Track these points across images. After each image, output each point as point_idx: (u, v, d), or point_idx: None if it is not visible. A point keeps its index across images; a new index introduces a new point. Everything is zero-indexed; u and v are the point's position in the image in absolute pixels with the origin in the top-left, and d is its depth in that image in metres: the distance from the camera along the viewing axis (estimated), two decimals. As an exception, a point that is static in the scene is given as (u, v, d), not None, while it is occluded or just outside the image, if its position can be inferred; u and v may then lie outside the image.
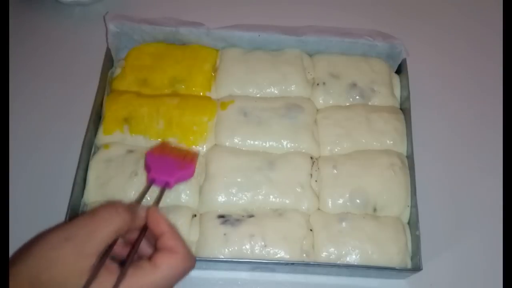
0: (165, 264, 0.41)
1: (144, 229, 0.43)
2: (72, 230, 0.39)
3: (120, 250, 0.43)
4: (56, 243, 0.39)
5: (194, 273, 0.59)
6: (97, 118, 0.65)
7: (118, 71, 0.69)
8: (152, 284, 0.40)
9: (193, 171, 0.59)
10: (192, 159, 0.59)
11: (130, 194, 0.59)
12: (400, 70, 0.71)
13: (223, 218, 0.58)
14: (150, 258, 0.41)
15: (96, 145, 0.64)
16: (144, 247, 0.44)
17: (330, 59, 0.70)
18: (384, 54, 0.72)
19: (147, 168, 0.56)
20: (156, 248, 0.42)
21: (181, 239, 0.43)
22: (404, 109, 0.67)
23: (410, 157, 0.63)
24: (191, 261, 0.43)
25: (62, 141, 0.68)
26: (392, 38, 0.70)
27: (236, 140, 0.63)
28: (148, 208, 0.44)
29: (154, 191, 0.55)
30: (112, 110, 0.65)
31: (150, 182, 0.53)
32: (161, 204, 0.59)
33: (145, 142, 0.63)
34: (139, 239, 0.43)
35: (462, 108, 0.74)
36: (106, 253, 0.40)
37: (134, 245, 0.42)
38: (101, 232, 0.40)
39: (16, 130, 0.68)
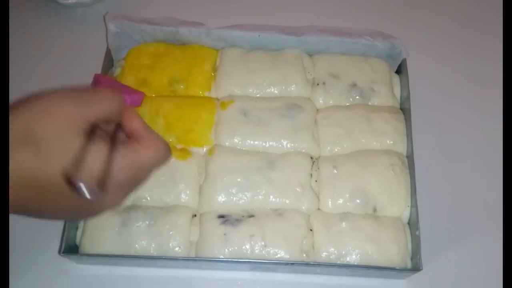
0: (151, 146, 0.42)
1: (119, 124, 0.44)
2: (76, 93, 0.39)
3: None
4: (58, 98, 0.38)
5: (194, 273, 0.60)
6: (97, 118, 0.65)
7: (118, 71, 0.69)
8: (141, 161, 0.41)
9: (142, 98, 0.59)
10: (138, 90, 0.61)
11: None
12: (400, 70, 0.71)
13: (223, 218, 0.58)
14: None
15: (96, 145, 0.64)
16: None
17: (330, 59, 0.70)
18: (384, 54, 0.72)
19: (98, 85, 0.56)
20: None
21: (155, 131, 0.44)
22: (404, 109, 0.67)
23: (410, 157, 0.63)
24: (168, 145, 0.44)
25: (62, 141, 0.68)
26: (392, 38, 0.70)
27: (236, 140, 0.63)
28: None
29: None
30: (112, 110, 0.65)
31: None
32: (161, 204, 0.60)
33: (145, 142, 0.63)
34: (117, 127, 0.43)
35: (462, 108, 0.74)
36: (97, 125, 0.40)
37: (116, 130, 0.43)
38: (102, 103, 0.40)
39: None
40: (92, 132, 0.38)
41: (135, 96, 0.57)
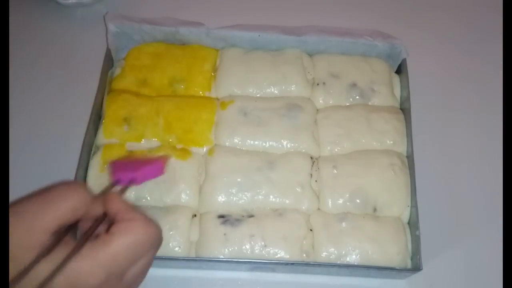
0: (123, 231, 0.37)
1: (104, 214, 0.41)
2: (23, 204, 0.37)
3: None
4: (13, 214, 0.36)
5: (194, 273, 0.60)
6: (97, 118, 0.65)
7: (118, 71, 0.69)
8: (111, 254, 0.36)
9: (163, 167, 0.56)
10: (160, 158, 0.58)
11: (130, 194, 0.59)
12: (400, 70, 0.71)
13: (223, 218, 0.58)
14: (107, 231, 0.38)
15: (96, 145, 0.64)
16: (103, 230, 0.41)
17: (330, 59, 0.70)
18: (384, 54, 0.71)
19: (111, 173, 0.52)
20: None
21: (138, 211, 0.40)
22: (404, 109, 0.67)
23: (410, 157, 0.63)
24: (154, 226, 0.39)
25: (62, 141, 0.68)
26: (392, 38, 0.70)
27: (236, 140, 0.63)
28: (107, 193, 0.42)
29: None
30: (112, 110, 0.65)
31: (115, 184, 0.49)
32: (161, 204, 0.60)
33: (145, 142, 0.63)
34: (97, 220, 0.40)
35: (462, 108, 0.74)
36: (66, 231, 0.37)
37: (92, 225, 0.40)
38: (55, 207, 0.37)
39: (16, 130, 0.68)
40: (56, 239, 0.36)
41: (153, 166, 0.54)
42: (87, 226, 0.40)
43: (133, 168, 0.52)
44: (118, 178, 0.50)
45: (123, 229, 0.38)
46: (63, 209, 0.37)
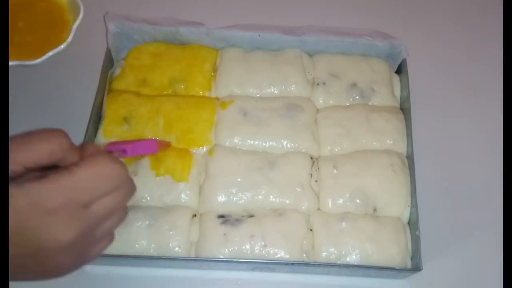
0: (87, 163, 0.38)
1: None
2: (12, 139, 0.38)
3: None
4: None
5: (194, 273, 0.60)
6: (97, 118, 0.65)
7: (118, 71, 0.69)
8: (73, 181, 0.37)
9: (156, 145, 0.58)
10: (156, 139, 0.61)
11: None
12: (400, 70, 0.71)
13: (223, 218, 0.58)
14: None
15: (96, 145, 0.64)
16: None
17: (330, 59, 0.70)
18: (384, 54, 0.72)
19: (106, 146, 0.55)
20: None
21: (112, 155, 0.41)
22: (404, 109, 0.67)
23: (410, 157, 0.63)
24: (119, 164, 0.40)
25: (62, 141, 0.68)
26: (392, 38, 0.70)
27: (236, 140, 0.63)
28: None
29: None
30: (112, 110, 0.65)
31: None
32: (161, 204, 0.59)
33: (145, 142, 0.63)
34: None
35: (462, 108, 0.74)
36: (41, 171, 0.38)
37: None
38: (33, 147, 0.38)
39: (16, 130, 0.68)
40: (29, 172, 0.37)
41: (146, 142, 0.58)
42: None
43: (126, 142, 0.55)
44: (110, 149, 0.51)
45: (88, 161, 0.39)
46: (40, 151, 0.38)
